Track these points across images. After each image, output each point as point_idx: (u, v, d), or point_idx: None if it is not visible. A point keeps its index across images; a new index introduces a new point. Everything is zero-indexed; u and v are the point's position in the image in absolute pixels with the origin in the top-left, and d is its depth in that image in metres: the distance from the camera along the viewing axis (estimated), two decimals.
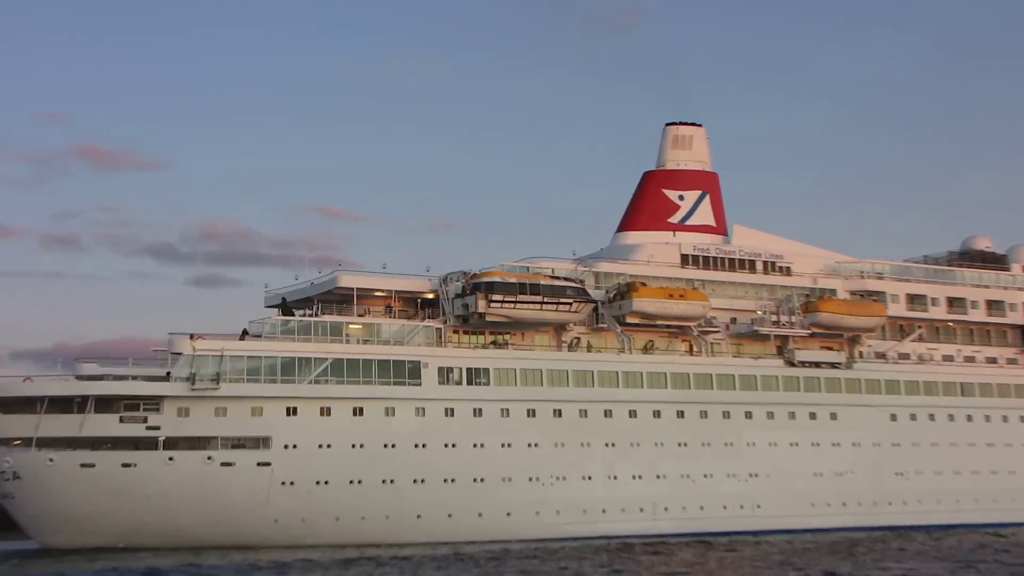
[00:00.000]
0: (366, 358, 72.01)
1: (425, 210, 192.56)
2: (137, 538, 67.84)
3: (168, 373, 68.91)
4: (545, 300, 76.61)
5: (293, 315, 75.05)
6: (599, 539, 74.11)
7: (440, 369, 73.57)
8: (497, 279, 76.32)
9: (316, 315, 74.35)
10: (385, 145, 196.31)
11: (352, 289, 75.69)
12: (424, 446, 71.95)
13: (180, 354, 68.78)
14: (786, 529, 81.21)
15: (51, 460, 66.69)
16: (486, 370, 75.15)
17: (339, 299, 76.41)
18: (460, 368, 74.30)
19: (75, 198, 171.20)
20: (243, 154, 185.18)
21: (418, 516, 71.50)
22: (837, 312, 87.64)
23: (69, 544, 67.43)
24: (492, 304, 75.26)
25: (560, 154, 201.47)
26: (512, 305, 75.69)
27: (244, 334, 72.48)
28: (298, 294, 78.16)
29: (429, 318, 76.70)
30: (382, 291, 76.61)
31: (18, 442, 67.36)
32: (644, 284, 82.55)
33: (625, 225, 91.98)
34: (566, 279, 79.79)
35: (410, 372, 72.56)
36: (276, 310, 77.21)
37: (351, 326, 73.43)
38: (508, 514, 73.80)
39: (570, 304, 77.63)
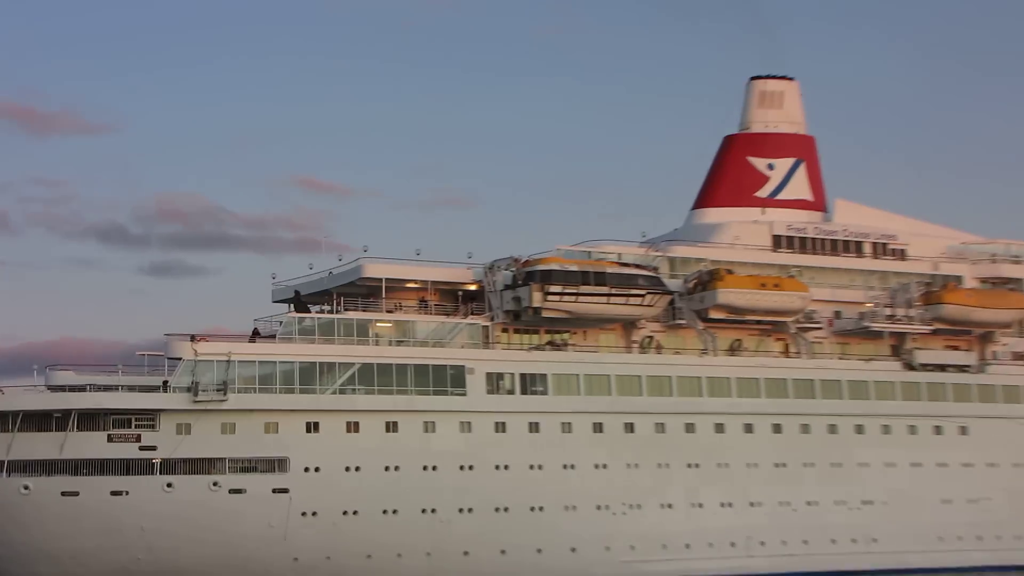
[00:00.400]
0: (400, 363, 68.55)
1: (431, 182, 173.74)
2: None
3: (165, 383, 65.52)
4: (613, 292, 72.84)
5: (309, 311, 71.45)
6: None
7: (489, 375, 70.16)
8: (555, 267, 72.37)
9: (338, 311, 70.62)
10: (381, 100, 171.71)
11: (380, 280, 71.94)
12: (471, 468, 68.88)
13: (179, 359, 65.36)
14: (909, 568, 77.03)
15: (26, 488, 63.13)
16: (543, 376, 71.55)
17: (364, 292, 72.70)
18: (512, 374, 70.91)
19: (3, 169, 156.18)
20: (207, 115, 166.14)
21: (465, 552, 68.38)
22: (966, 304, 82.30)
23: None
24: (549, 297, 71.51)
25: (617, 111, 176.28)
26: (573, 298, 71.95)
27: (255, 335, 69.26)
28: (313, 286, 74.50)
29: (473, 314, 72.91)
30: (415, 282, 73.31)
31: None
32: (731, 272, 77.78)
33: (703, 201, 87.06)
34: (637, 266, 75.77)
35: (453, 379, 69.30)
36: (287, 306, 74.14)
37: (379, 325, 70.14)
38: (572, 549, 70.34)
39: (642, 296, 73.80)
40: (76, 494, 63.34)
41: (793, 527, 75.24)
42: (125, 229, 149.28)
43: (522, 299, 71.85)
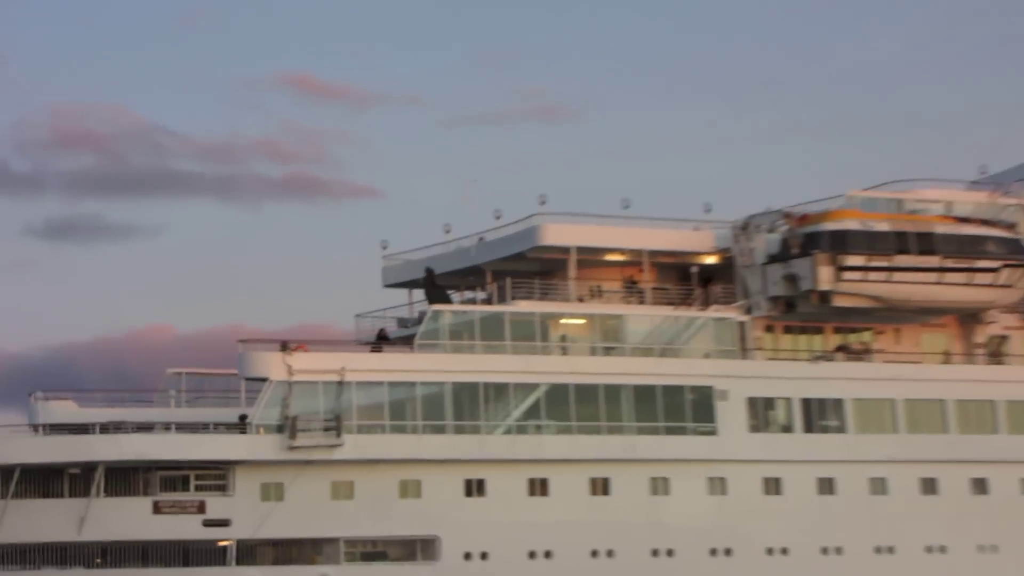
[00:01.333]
0: (611, 383, 60.76)
1: (508, 79, 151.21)
2: None
3: (242, 418, 56.76)
4: (947, 265, 65.49)
5: (449, 300, 65.01)
6: None
7: (751, 403, 62.62)
8: (853, 225, 64.36)
9: (503, 299, 62.50)
10: None
11: (567, 251, 63.43)
12: (727, 553, 61.29)
13: (265, 380, 56.96)
14: None
15: None
16: (838, 403, 63.75)
17: (534, 270, 64.75)
18: (789, 400, 63.39)
19: None
20: None
21: None
22: None
23: None
24: (846, 275, 63.57)
25: None
26: (884, 276, 64.20)
27: (381, 338, 60.94)
28: (452, 261, 67.33)
29: (718, 303, 64.38)
30: (620, 253, 65.23)
31: None
32: None
33: None
34: (982, 222, 68.06)
35: (695, 410, 61.85)
36: (406, 293, 68.71)
37: (567, 322, 62.05)
38: None
39: (996, 271, 66.53)
40: None
41: None
42: (4, 166, 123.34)
43: (800, 278, 63.92)
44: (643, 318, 63.30)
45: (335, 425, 56.42)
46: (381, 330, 60.88)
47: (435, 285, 64.15)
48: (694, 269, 65.80)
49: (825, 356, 65.51)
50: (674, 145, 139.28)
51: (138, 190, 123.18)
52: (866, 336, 67.20)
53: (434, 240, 68.60)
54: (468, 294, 68.22)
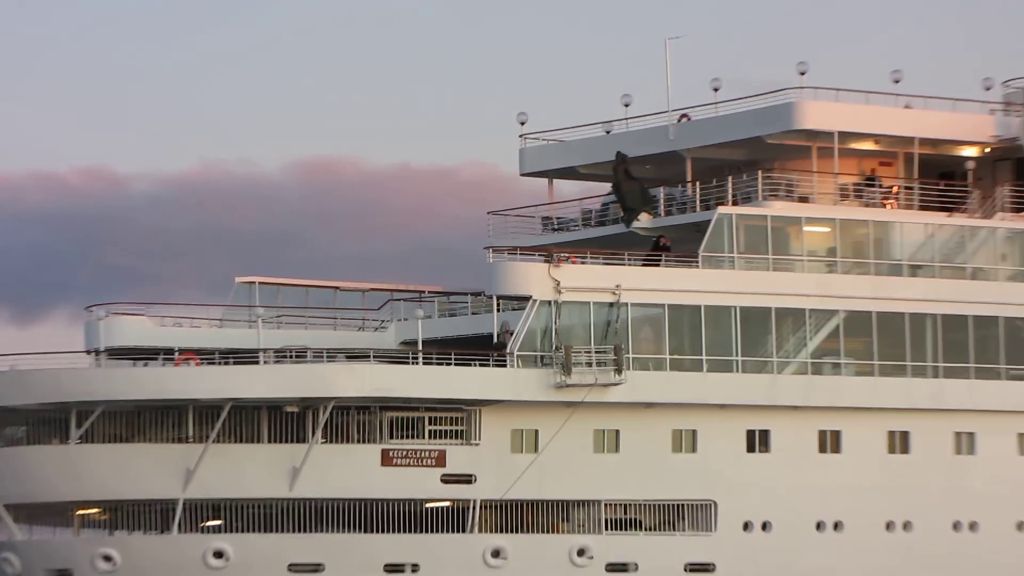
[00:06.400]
0: (920, 311, 51.51)
1: None
2: None
3: (501, 343, 46.70)
4: None
5: (648, 196, 53.80)
6: None
7: None
8: None
9: (752, 198, 51.75)
10: None
11: (830, 136, 53.05)
12: None
13: (526, 300, 46.85)
14: None
15: (219, 556, 45.87)
16: None
17: (767, 157, 54.65)
18: None
19: None
20: None
21: None
22: None
23: None
24: None
25: None
26: None
27: (658, 246, 50.48)
28: (646, 143, 55.49)
29: (1011, 210, 55.03)
30: (883, 140, 55.10)
31: (87, 510, 48.02)
32: None
33: None
34: None
35: (1012, 349, 52.95)
36: (544, 182, 58.14)
37: (811, 228, 51.90)
38: None
39: None
40: (318, 569, 46.82)
41: None
42: None
43: None
44: (918, 225, 53.02)
45: (615, 358, 46.48)
46: (660, 238, 49.71)
47: (630, 176, 52.71)
48: (970, 165, 55.08)
49: None
50: None
51: None
52: None
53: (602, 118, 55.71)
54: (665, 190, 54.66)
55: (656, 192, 53.82)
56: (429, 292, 52.73)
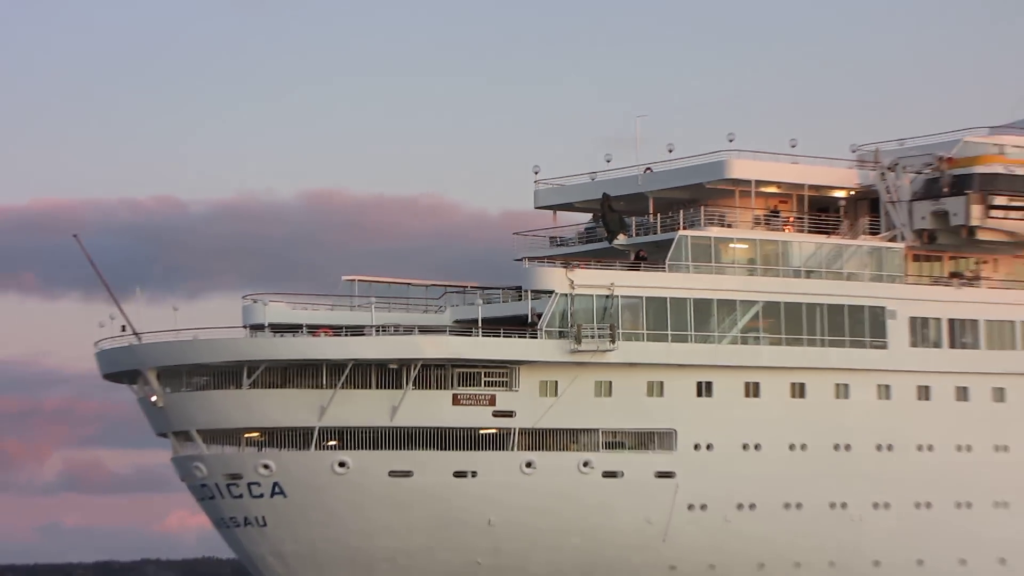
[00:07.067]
0: (813, 302, 65.68)
1: None
2: None
3: (531, 323, 60.16)
4: None
5: (625, 226, 67.08)
6: None
7: (913, 322, 67.53)
8: (1000, 169, 69.32)
9: (681, 226, 65.47)
10: None
11: (747, 184, 67.37)
12: (889, 448, 66.72)
13: (548, 293, 60.58)
14: None
15: (343, 465, 59.07)
16: (974, 324, 69.02)
17: (695, 198, 68.34)
18: (939, 320, 68.63)
19: None
20: None
21: (876, 563, 66.90)
22: None
23: None
24: (992, 213, 68.73)
25: None
26: (1022, 214, 69.50)
27: (638, 257, 64.05)
28: (615, 188, 69.09)
29: (868, 234, 69.16)
30: (778, 186, 69.00)
31: (252, 434, 60.55)
32: None
33: None
34: None
35: (872, 326, 66.52)
36: (550, 214, 72.29)
37: (730, 246, 65.88)
38: (1002, 561, 69.02)
39: None
40: (409, 474, 60.01)
41: None
42: None
43: (952, 214, 68.57)
44: (807, 244, 66.52)
45: (610, 333, 60.61)
46: (640, 251, 64.09)
47: (612, 209, 66.73)
48: (843, 202, 69.96)
49: (941, 280, 69.41)
50: None
51: None
52: (972, 264, 70.97)
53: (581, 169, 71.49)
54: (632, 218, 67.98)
55: (629, 221, 66.53)
56: (471, 287, 65.32)
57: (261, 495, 59.39)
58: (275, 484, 59.24)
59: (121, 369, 60.85)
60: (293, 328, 60.68)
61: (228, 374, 59.14)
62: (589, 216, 69.98)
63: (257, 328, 60.71)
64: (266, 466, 59.45)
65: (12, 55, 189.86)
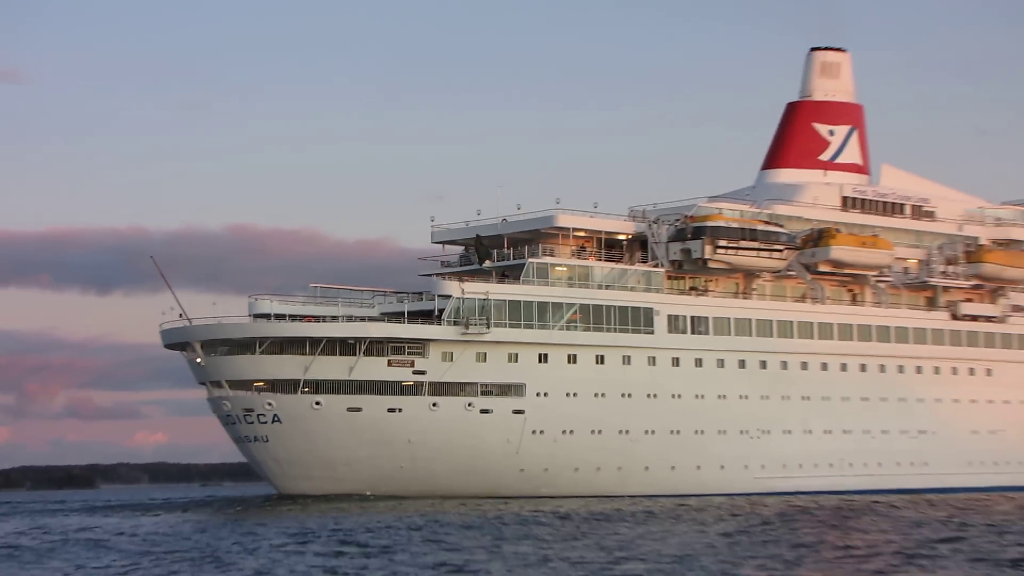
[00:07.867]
0: (608, 304, 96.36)
1: None
2: (387, 485, 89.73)
3: (438, 314, 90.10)
4: (762, 247, 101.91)
5: (490, 256, 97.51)
6: (795, 494, 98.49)
7: (670, 317, 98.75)
8: (722, 223, 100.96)
9: (526, 256, 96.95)
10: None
11: (567, 230, 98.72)
12: (654, 396, 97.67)
13: (448, 296, 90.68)
14: (949, 487, 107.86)
15: (318, 404, 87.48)
16: (706, 319, 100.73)
17: (532, 238, 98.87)
18: (685, 316, 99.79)
19: None
20: None
21: (646, 468, 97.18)
22: (1002, 263, 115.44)
23: (316, 491, 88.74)
24: (718, 251, 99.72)
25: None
26: (735, 251, 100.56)
27: (503, 275, 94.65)
28: (488, 230, 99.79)
29: (640, 262, 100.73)
30: (588, 231, 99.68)
31: (259, 383, 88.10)
32: (839, 231, 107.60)
33: (774, 162, 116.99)
34: (774, 224, 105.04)
35: (644, 320, 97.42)
36: (441, 247, 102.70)
37: (557, 268, 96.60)
38: (722, 467, 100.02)
39: (781, 251, 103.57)
40: (359, 410, 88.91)
41: (872, 452, 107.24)
42: None
43: (693, 251, 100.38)
44: (603, 269, 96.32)
45: (487, 322, 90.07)
46: (504, 270, 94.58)
47: (482, 244, 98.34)
48: (625, 243, 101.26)
49: (683, 293, 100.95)
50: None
51: None
52: (704, 282, 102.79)
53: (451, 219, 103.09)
54: (495, 251, 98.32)
55: (492, 251, 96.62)
56: (391, 292, 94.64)
57: (265, 422, 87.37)
58: (275, 415, 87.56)
59: (176, 341, 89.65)
60: (280, 316, 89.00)
61: (245, 345, 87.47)
62: (461, 248, 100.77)
63: (263, 316, 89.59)
64: (269, 404, 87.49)
65: None
